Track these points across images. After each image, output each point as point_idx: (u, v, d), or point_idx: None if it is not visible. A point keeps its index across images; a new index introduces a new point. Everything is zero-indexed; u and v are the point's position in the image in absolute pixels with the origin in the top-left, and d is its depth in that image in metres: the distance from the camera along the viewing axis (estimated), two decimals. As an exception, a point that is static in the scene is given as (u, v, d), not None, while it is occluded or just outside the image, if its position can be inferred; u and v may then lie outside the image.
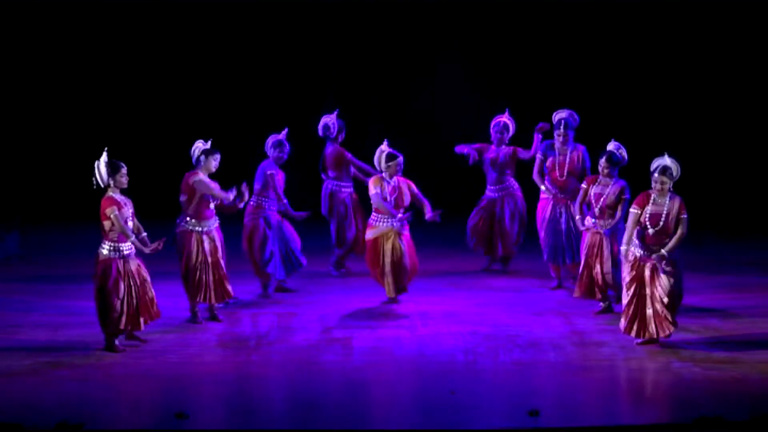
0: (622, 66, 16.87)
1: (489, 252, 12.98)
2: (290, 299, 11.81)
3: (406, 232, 11.34)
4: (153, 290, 9.86)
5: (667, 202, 9.59)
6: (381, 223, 11.28)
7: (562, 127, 11.66)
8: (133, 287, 9.69)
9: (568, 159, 11.67)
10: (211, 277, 10.58)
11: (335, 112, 12.69)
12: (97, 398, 8.55)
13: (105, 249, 9.63)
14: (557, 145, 11.72)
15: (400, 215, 11.26)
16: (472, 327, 10.59)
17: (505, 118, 12.68)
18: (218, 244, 10.66)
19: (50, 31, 16.83)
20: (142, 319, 9.77)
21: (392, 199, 11.28)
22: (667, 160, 9.63)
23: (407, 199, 11.36)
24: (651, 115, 16.82)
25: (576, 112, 11.80)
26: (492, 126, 12.70)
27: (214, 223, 10.67)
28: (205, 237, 10.57)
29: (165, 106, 17.11)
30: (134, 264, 9.73)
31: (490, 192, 12.82)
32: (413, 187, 11.40)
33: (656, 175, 9.59)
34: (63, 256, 14.29)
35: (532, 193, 12.49)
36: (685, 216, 9.58)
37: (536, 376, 9.12)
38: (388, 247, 11.24)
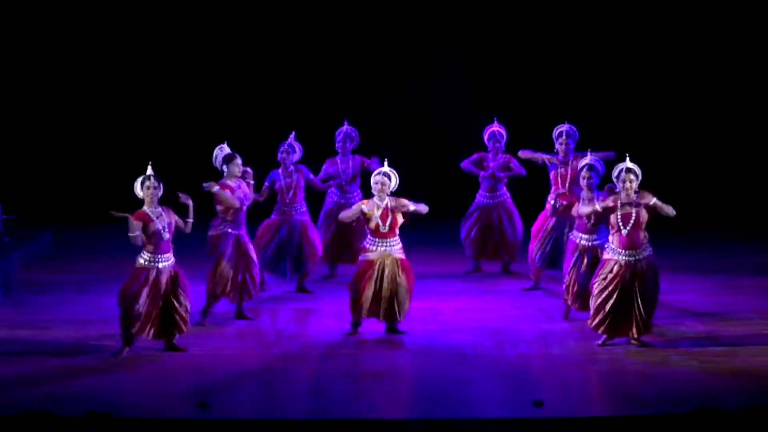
0: (615, 70, 16.85)
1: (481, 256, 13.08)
2: (308, 296, 12.02)
3: (403, 255, 10.26)
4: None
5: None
6: (377, 247, 10.22)
7: (564, 136, 11.70)
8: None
9: (569, 169, 11.67)
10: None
11: (345, 122, 12.65)
12: (124, 389, 8.76)
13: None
14: (560, 156, 11.72)
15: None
16: (479, 322, 10.80)
17: (495, 127, 12.68)
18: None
19: (75, 36, 17.01)
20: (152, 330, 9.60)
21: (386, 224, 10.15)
22: (629, 163, 9.74)
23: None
24: (646, 117, 16.83)
25: (575, 125, 11.84)
26: (486, 136, 12.70)
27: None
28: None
29: (175, 113, 17.25)
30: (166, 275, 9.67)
31: (482, 198, 12.92)
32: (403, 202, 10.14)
33: (623, 175, 9.67)
34: (92, 255, 14.45)
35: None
36: (654, 199, 9.69)
37: (540, 369, 9.30)
38: (386, 273, 10.15)
